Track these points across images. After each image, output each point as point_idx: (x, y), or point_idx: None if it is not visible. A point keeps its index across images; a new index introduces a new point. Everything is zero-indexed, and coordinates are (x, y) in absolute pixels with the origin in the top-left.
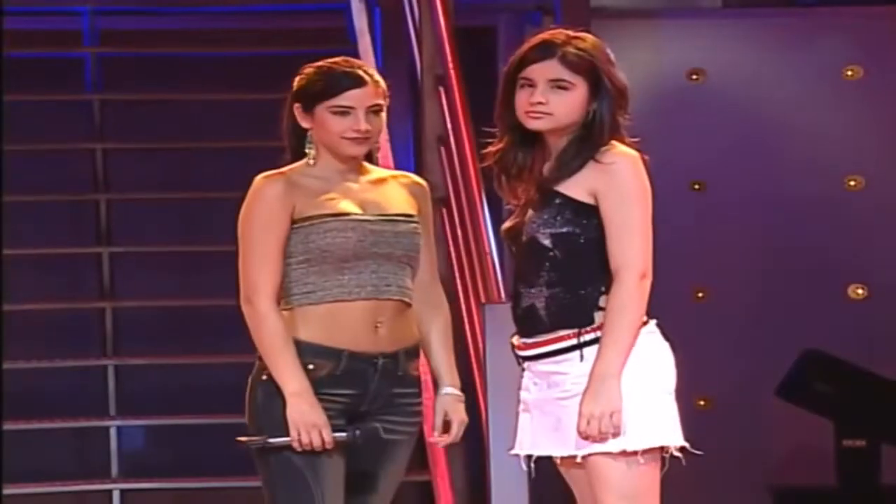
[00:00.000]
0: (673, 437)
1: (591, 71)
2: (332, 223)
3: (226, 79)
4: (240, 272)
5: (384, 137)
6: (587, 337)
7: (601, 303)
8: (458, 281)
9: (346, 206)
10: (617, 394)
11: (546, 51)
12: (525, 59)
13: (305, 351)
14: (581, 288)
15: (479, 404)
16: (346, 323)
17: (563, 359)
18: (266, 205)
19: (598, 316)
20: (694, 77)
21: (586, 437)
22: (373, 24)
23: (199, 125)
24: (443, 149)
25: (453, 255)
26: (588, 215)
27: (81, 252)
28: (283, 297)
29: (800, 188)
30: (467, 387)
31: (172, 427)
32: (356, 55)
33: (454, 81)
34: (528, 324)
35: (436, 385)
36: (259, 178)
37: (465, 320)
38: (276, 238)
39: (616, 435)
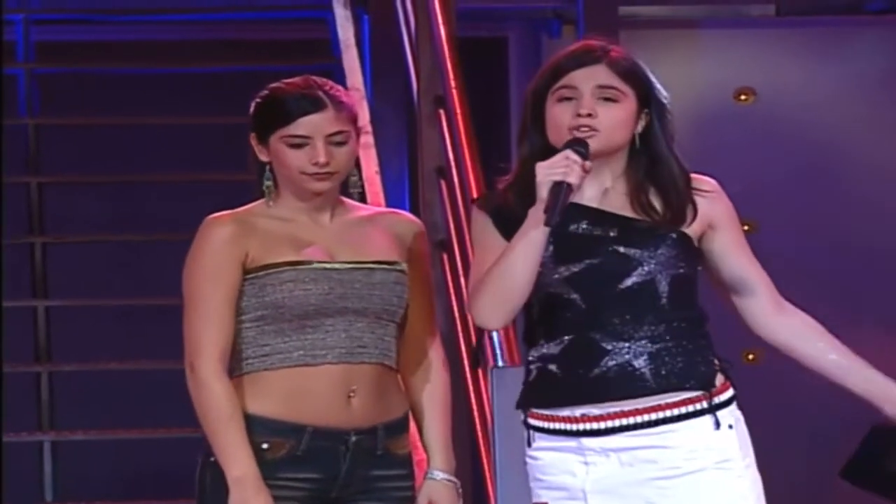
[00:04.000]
0: None
1: (642, 81)
2: (289, 273)
3: (186, 100)
4: (184, 331)
5: (373, 170)
6: (721, 398)
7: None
8: (462, 338)
9: (310, 252)
10: None
11: (589, 55)
12: (561, 66)
13: (259, 427)
14: (697, 339)
15: (487, 488)
16: (310, 393)
17: (670, 429)
18: (212, 252)
19: (719, 374)
20: (742, 97)
21: None
22: (360, 35)
23: (154, 155)
24: (443, 183)
25: (455, 307)
26: (696, 254)
27: (13, 306)
28: (235, 361)
29: (868, 229)
30: (473, 466)
31: None
32: (340, 72)
33: (456, 103)
34: (619, 387)
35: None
36: (207, 219)
37: (470, 386)
38: (223, 291)
39: None
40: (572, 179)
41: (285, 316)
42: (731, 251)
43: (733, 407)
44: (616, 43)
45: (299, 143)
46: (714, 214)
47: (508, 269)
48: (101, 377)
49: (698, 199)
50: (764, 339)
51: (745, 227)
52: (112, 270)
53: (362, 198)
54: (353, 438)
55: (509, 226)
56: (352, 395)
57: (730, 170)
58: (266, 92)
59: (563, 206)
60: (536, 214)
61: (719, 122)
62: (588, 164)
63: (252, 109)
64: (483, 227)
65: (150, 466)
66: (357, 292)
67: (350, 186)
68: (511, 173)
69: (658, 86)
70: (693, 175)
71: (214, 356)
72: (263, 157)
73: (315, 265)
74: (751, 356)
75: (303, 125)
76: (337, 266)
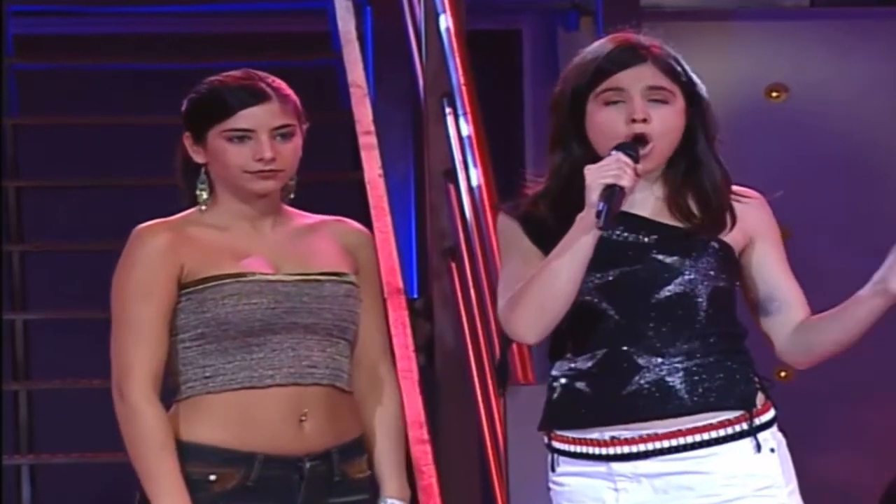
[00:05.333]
0: None
1: (686, 78)
2: (231, 285)
3: (175, 97)
4: (111, 352)
5: (376, 173)
6: (762, 419)
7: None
8: (472, 355)
9: (253, 262)
10: None
11: (633, 53)
12: (604, 67)
13: (205, 456)
14: (736, 356)
15: None
16: (258, 417)
17: (708, 453)
18: (143, 264)
19: (760, 393)
20: (774, 94)
21: None
22: (362, 28)
23: (141, 157)
24: (452, 187)
25: (465, 322)
26: (736, 266)
27: None
28: (174, 385)
29: None
30: (484, 495)
31: None
32: (340, 67)
33: (466, 101)
34: (653, 406)
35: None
36: (137, 229)
37: (481, 406)
38: (155, 308)
39: None
40: (625, 182)
41: (229, 333)
42: (769, 265)
43: (775, 429)
44: (646, 34)
45: (241, 137)
46: (756, 225)
47: (553, 279)
48: (84, 396)
49: (738, 206)
50: (794, 360)
51: None
52: (96, 281)
53: (292, 204)
54: (308, 465)
55: (540, 236)
56: (303, 418)
57: (761, 171)
58: (202, 86)
59: (616, 211)
60: (585, 220)
61: (749, 121)
62: (640, 167)
63: (185, 106)
64: (514, 234)
65: (135, 492)
66: (306, 306)
67: (286, 192)
68: (543, 181)
69: (699, 81)
70: (735, 187)
71: (144, 378)
72: (199, 159)
73: (259, 277)
74: (783, 373)
75: (244, 118)
76: (283, 278)
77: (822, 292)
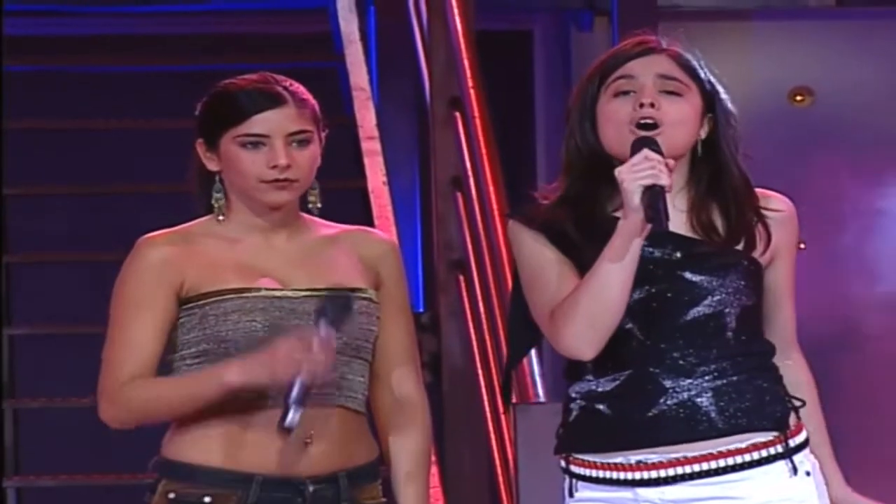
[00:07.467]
0: None
1: (707, 80)
2: (233, 301)
3: (169, 100)
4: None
5: (380, 181)
6: (796, 440)
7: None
8: (480, 372)
9: (260, 277)
10: None
11: (647, 45)
12: (616, 57)
13: (200, 477)
14: (766, 374)
15: None
16: (259, 438)
17: (741, 477)
18: (139, 278)
19: (791, 413)
20: (798, 98)
21: None
22: (366, 29)
23: (133, 162)
24: (460, 195)
25: (473, 337)
26: (762, 283)
27: None
28: None
29: None
30: None
31: None
32: (342, 69)
33: (474, 105)
34: (681, 429)
35: None
36: (140, 240)
37: (490, 425)
38: (148, 323)
39: None
40: (664, 181)
41: (230, 351)
42: (780, 286)
43: (808, 451)
44: (667, 37)
45: (255, 143)
46: (781, 242)
47: (604, 288)
48: (73, 415)
49: (770, 223)
50: None
51: (801, 246)
52: (85, 294)
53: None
54: (311, 488)
55: (565, 244)
56: (309, 441)
57: (784, 178)
58: (216, 89)
59: (665, 209)
60: (628, 225)
61: (772, 125)
62: (671, 161)
63: (199, 110)
64: (539, 245)
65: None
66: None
67: (310, 202)
68: (555, 188)
69: (722, 90)
70: (765, 192)
71: (123, 381)
72: (212, 166)
73: (263, 293)
74: None
75: (259, 123)
76: (289, 294)
77: (848, 297)
